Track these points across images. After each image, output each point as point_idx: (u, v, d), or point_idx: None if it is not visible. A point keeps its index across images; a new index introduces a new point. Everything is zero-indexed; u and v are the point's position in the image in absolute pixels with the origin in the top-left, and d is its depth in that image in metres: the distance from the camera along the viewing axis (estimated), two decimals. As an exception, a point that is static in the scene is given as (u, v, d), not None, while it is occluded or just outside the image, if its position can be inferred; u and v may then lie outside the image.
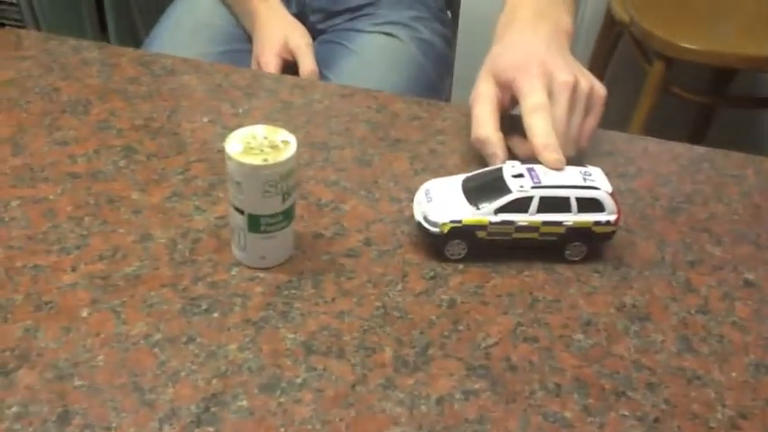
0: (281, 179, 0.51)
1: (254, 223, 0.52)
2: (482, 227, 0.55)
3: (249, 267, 0.55)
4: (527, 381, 0.49)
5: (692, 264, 0.59)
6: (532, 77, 0.63)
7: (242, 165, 0.49)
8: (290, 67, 0.96)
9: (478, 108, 0.66)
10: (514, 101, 0.66)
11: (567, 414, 0.47)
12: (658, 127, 1.58)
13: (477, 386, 0.48)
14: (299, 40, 1.00)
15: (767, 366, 0.51)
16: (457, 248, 0.56)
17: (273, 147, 0.51)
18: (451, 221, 0.55)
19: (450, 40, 1.18)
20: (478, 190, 0.56)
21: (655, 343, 0.52)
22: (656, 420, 0.47)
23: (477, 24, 1.89)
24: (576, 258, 0.58)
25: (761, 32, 1.58)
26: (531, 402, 0.47)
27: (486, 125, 0.65)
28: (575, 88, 0.63)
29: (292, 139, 0.52)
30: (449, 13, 1.21)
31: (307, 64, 0.96)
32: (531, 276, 0.57)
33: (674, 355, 0.51)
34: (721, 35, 1.57)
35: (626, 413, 0.47)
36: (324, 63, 1.06)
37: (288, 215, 0.53)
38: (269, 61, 0.95)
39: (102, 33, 2.40)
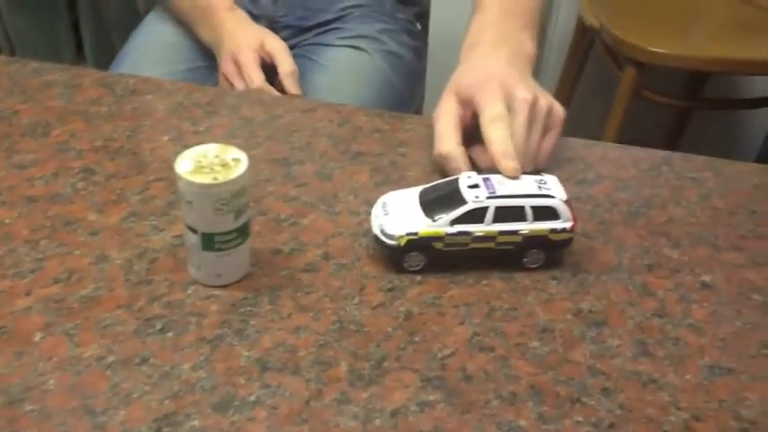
0: (233, 197, 0.51)
1: (208, 242, 0.52)
2: (439, 238, 0.55)
3: (205, 286, 0.55)
4: (482, 390, 0.49)
5: (649, 267, 0.60)
6: (492, 92, 0.65)
7: (192, 184, 0.49)
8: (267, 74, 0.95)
9: (441, 124, 0.67)
10: (476, 117, 0.66)
11: (522, 422, 0.47)
12: (633, 132, 1.59)
13: (432, 397, 0.48)
14: (275, 42, 1.00)
15: (722, 368, 0.51)
16: (415, 260, 0.56)
17: (224, 165, 0.51)
18: (408, 234, 0.55)
19: (420, 52, 1.18)
20: (435, 202, 0.56)
21: (611, 348, 0.52)
22: (611, 426, 0.47)
23: (447, 36, 1.90)
24: (535, 266, 0.58)
25: (731, 36, 1.59)
26: (486, 412, 0.47)
27: (448, 141, 0.65)
28: (534, 105, 0.64)
29: (244, 156, 0.52)
30: (418, 25, 1.22)
31: (288, 63, 0.94)
32: (488, 286, 0.57)
33: (630, 359, 0.51)
34: (691, 39, 1.59)
35: (581, 419, 0.47)
36: (292, 78, 1.06)
37: (242, 232, 0.53)
38: (248, 57, 0.93)
39: (78, 54, 2.40)
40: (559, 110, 0.67)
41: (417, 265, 0.57)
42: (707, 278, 0.59)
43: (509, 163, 0.59)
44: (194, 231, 0.52)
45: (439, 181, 0.59)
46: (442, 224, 0.55)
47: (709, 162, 0.73)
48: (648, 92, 1.61)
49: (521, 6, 0.76)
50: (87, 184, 0.64)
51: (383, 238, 0.56)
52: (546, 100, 0.66)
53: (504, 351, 0.51)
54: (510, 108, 0.64)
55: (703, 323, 0.55)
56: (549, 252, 0.58)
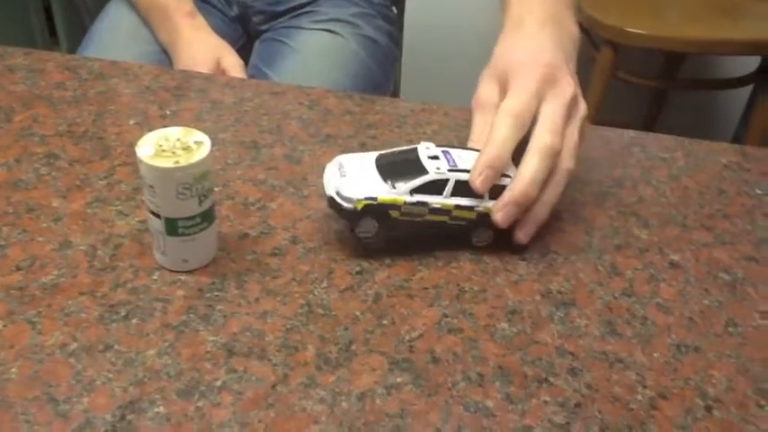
0: (196, 181, 0.50)
1: (172, 227, 0.51)
2: (396, 206, 0.54)
3: (171, 271, 0.54)
4: (450, 372, 0.48)
5: (618, 247, 0.60)
6: (527, 77, 0.58)
7: (153, 168, 0.49)
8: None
9: (477, 117, 0.62)
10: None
11: (489, 403, 0.47)
12: (610, 114, 1.59)
13: (399, 380, 0.48)
14: (232, 59, 0.99)
15: (688, 346, 0.52)
16: (368, 225, 0.55)
17: (186, 148, 0.50)
18: (366, 198, 0.54)
19: (395, 37, 1.17)
20: (393, 169, 0.55)
21: (578, 328, 0.52)
22: (578, 405, 0.47)
23: (423, 20, 1.89)
24: (482, 244, 0.57)
25: (706, 16, 1.60)
26: (453, 393, 0.47)
27: (482, 138, 0.58)
28: (575, 99, 0.59)
29: (206, 139, 0.51)
30: (394, 9, 1.21)
31: None
32: (457, 268, 0.57)
33: (598, 338, 0.52)
34: (667, 20, 1.59)
35: (548, 399, 0.47)
36: (265, 62, 1.05)
37: (207, 217, 0.53)
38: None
39: (51, 38, 2.36)
40: (585, 110, 0.61)
41: (369, 232, 0.55)
42: (675, 257, 0.59)
43: (479, 180, 0.54)
44: (158, 216, 0.51)
45: (396, 149, 0.58)
46: (401, 192, 0.54)
47: (680, 142, 0.74)
48: (624, 73, 1.62)
49: None
50: (51, 170, 0.63)
51: (339, 201, 0.54)
52: (582, 100, 0.61)
53: (473, 333, 0.51)
54: (547, 95, 0.58)
55: (671, 302, 0.55)
56: (499, 232, 0.57)
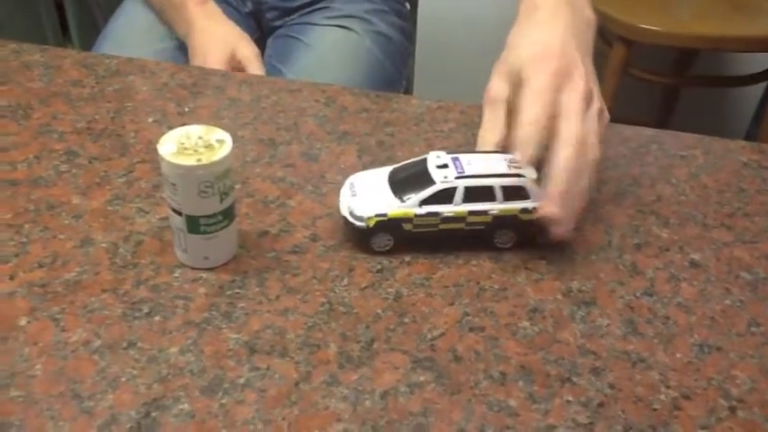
0: (217, 179, 0.50)
1: (193, 224, 0.52)
2: (408, 219, 0.54)
3: (192, 269, 0.54)
4: (472, 371, 0.48)
5: (638, 246, 0.59)
6: (544, 72, 0.57)
7: (175, 166, 0.49)
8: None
9: (487, 113, 0.61)
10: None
11: (512, 402, 0.47)
12: (623, 111, 1.58)
13: (422, 378, 0.48)
14: (247, 50, 0.97)
15: (711, 346, 0.51)
16: (383, 240, 0.56)
17: (208, 146, 0.50)
18: (377, 215, 0.54)
19: (408, 33, 1.17)
20: (403, 182, 0.56)
21: (600, 327, 0.52)
22: (601, 405, 0.47)
23: (436, 16, 1.89)
24: (506, 246, 0.57)
25: (719, 12, 1.59)
26: (476, 392, 0.47)
27: (491, 136, 0.59)
28: (590, 95, 0.58)
29: (228, 137, 0.51)
30: (407, 4, 1.20)
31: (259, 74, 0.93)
32: (478, 266, 0.56)
33: (620, 338, 0.51)
34: (680, 16, 1.58)
35: (570, 399, 0.47)
36: (279, 58, 1.05)
37: (227, 215, 0.53)
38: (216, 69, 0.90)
39: (64, 35, 2.37)
40: (607, 115, 0.60)
41: (386, 246, 0.56)
42: (696, 256, 0.59)
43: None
44: (179, 214, 0.51)
45: (408, 161, 0.58)
46: (410, 205, 0.54)
47: (699, 140, 0.73)
48: (637, 69, 1.61)
49: None
50: (70, 167, 0.63)
51: (351, 220, 0.55)
52: (599, 97, 0.59)
53: (494, 331, 0.51)
54: (563, 87, 0.57)
55: (692, 302, 0.55)
56: (521, 232, 0.57)
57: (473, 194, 0.54)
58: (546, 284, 0.55)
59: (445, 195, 0.54)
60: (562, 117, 0.56)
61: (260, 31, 1.13)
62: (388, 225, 0.55)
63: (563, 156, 0.54)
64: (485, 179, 0.54)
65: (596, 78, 0.61)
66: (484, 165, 0.55)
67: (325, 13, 1.08)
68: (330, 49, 1.04)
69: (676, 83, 1.92)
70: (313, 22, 1.08)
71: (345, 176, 0.64)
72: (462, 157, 0.56)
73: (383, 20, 1.09)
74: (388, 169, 0.58)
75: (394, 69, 1.09)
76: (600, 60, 1.66)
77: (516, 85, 0.59)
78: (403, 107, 0.74)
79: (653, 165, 0.69)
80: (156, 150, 0.65)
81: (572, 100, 0.56)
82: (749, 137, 1.89)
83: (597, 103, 0.59)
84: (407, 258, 0.56)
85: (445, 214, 0.55)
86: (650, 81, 1.67)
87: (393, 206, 0.54)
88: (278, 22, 1.12)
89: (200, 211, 0.51)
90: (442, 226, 0.55)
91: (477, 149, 0.59)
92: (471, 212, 0.55)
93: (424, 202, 0.54)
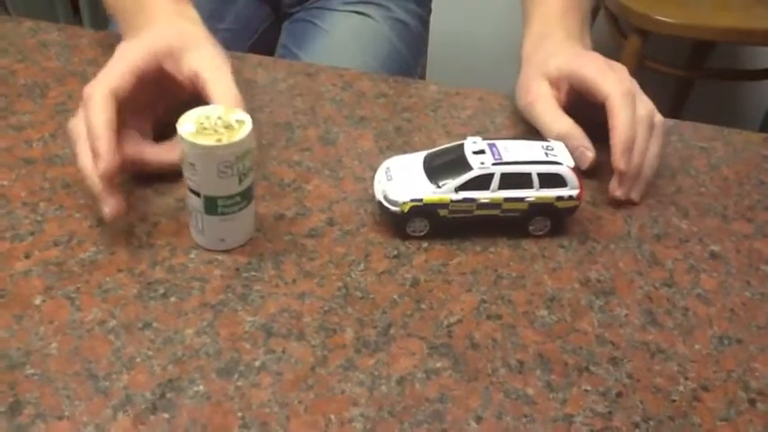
0: (237, 160, 0.50)
1: (211, 205, 0.51)
2: (443, 205, 0.54)
3: (208, 250, 0.54)
4: (489, 358, 0.48)
5: (657, 237, 0.59)
6: (598, 61, 0.63)
7: (195, 145, 0.48)
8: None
9: (541, 106, 0.65)
10: (569, 100, 0.65)
11: (530, 390, 0.46)
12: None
13: (438, 365, 0.47)
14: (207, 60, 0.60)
15: (730, 338, 0.51)
16: (419, 225, 0.55)
17: (227, 126, 0.50)
18: (412, 200, 0.54)
19: (425, 20, 1.16)
20: (439, 167, 0.55)
21: (619, 317, 0.52)
22: (619, 395, 0.46)
23: (451, 3, 1.88)
24: (541, 233, 0.57)
25: (737, 4, 1.57)
26: (494, 380, 0.47)
27: (561, 120, 0.63)
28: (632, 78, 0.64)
29: (247, 118, 0.51)
30: (424, -9, 1.19)
31: (227, 97, 0.56)
32: (495, 253, 0.56)
33: (638, 328, 0.51)
34: (697, 8, 1.57)
35: (588, 388, 0.47)
36: (295, 42, 1.04)
37: (246, 196, 0.52)
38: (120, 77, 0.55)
39: (74, 16, 2.36)
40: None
41: (421, 231, 0.56)
42: (716, 248, 0.58)
43: (623, 162, 0.59)
44: (197, 194, 0.51)
45: (444, 146, 0.58)
46: (446, 191, 0.54)
47: (719, 131, 0.72)
48: (651, 61, 1.59)
49: (577, 1, 0.73)
50: (86, 147, 0.63)
51: (386, 204, 0.55)
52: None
53: (512, 319, 0.51)
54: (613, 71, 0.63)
55: (712, 293, 0.54)
56: (555, 219, 0.57)
57: (510, 181, 0.54)
58: (564, 273, 0.55)
59: (482, 181, 0.54)
60: (609, 85, 0.61)
61: (275, 16, 1.13)
62: (424, 210, 0.54)
63: (619, 112, 0.59)
64: (522, 166, 0.54)
65: None
66: (521, 151, 0.55)
67: (343, -1, 1.08)
68: (347, 35, 1.04)
69: (691, 75, 1.90)
70: (330, 8, 1.07)
71: (362, 161, 0.63)
72: (499, 143, 0.56)
73: (400, 6, 1.09)
74: (423, 154, 0.57)
75: (410, 56, 1.08)
76: (615, 51, 1.66)
77: (556, 84, 0.65)
78: (421, 92, 0.73)
79: (673, 155, 0.68)
80: (174, 132, 0.65)
81: (625, 76, 0.63)
82: (763, 130, 1.87)
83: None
84: (425, 245, 0.56)
85: (481, 200, 0.54)
86: (665, 73, 1.66)
87: (428, 191, 0.54)
88: (294, 9, 1.11)
89: (218, 192, 0.51)
90: (478, 212, 0.55)
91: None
92: (507, 199, 0.54)
93: (461, 187, 0.54)
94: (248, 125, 0.50)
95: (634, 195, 0.61)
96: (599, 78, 0.61)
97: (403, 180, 0.55)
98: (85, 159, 0.52)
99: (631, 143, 0.59)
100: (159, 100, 0.61)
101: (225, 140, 0.48)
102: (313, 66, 0.77)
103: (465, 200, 0.54)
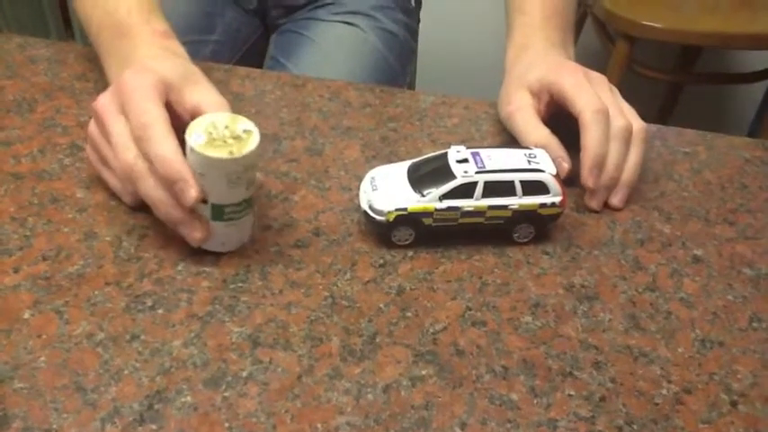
0: (246, 170, 0.50)
1: (218, 212, 0.52)
2: (428, 214, 0.55)
3: (196, 263, 0.54)
4: (474, 365, 0.49)
5: (641, 242, 0.60)
6: (577, 74, 0.64)
7: (207, 158, 0.49)
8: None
9: (521, 117, 0.65)
10: (549, 110, 0.66)
11: (514, 396, 0.47)
12: (625, 107, 1.58)
13: (423, 372, 0.48)
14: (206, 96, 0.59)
15: (712, 341, 0.51)
16: (404, 234, 0.56)
17: (236, 137, 0.50)
18: (397, 209, 0.54)
19: (413, 30, 1.17)
20: (424, 177, 0.56)
21: (602, 322, 0.52)
22: (602, 399, 0.47)
23: (439, 13, 1.89)
24: (525, 240, 0.58)
25: (724, 9, 1.59)
26: (478, 386, 0.47)
27: (538, 130, 0.64)
28: (611, 87, 0.66)
29: (254, 128, 0.51)
30: (412, 1, 1.20)
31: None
32: (480, 260, 0.57)
33: (621, 333, 0.52)
34: (684, 13, 1.58)
35: (572, 393, 0.47)
36: (283, 53, 1.05)
37: (250, 202, 0.53)
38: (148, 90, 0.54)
39: (66, 31, 2.37)
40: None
41: (406, 240, 0.56)
42: (698, 252, 0.59)
43: (591, 180, 0.61)
44: (204, 202, 0.51)
45: (428, 155, 0.58)
46: (430, 199, 0.55)
47: (701, 136, 0.73)
48: (639, 66, 1.61)
49: (560, 8, 0.75)
50: (74, 161, 0.63)
51: (372, 214, 0.55)
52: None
53: (497, 326, 0.51)
54: (591, 83, 0.64)
55: (694, 297, 0.55)
56: (539, 226, 0.57)
57: (493, 189, 0.55)
58: (548, 279, 0.55)
59: (465, 190, 0.54)
60: (584, 101, 0.62)
61: (263, 28, 1.14)
62: (408, 219, 0.55)
63: (590, 131, 0.60)
64: (505, 174, 0.55)
65: None
66: (504, 160, 0.56)
67: (331, 9, 1.08)
68: (335, 45, 1.04)
69: (679, 80, 1.92)
70: (318, 18, 1.08)
71: (348, 171, 0.64)
72: (482, 151, 0.56)
73: (388, 16, 1.09)
74: (407, 163, 0.58)
75: (398, 66, 1.09)
76: (603, 57, 1.67)
77: (537, 96, 0.66)
78: (407, 102, 0.74)
79: (656, 160, 0.69)
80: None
81: (598, 88, 0.64)
82: (751, 134, 1.89)
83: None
84: (410, 253, 0.57)
85: (465, 209, 0.55)
86: (653, 78, 1.67)
87: (413, 200, 0.55)
88: (283, 20, 1.12)
89: (227, 200, 0.51)
90: (462, 220, 0.55)
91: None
92: (491, 207, 0.55)
93: (445, 196, 0.54)
94: (256, 135, 0.51)
95: (616, 201, 0.62)
96: (574, 92, 0.62)
97: (387, 190, 0.56)
98: (156, 191, 0.51)
99: (600, 160, 0.60)
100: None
101: (236, 153, 0.49)
102: (299, 77, 0.78)
103: (449, 208, 0.55)
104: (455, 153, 0.56)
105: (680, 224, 0.62)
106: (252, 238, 0.57)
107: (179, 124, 0.53)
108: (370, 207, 0.55)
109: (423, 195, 0.54)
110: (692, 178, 0.67)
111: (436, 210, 0.55)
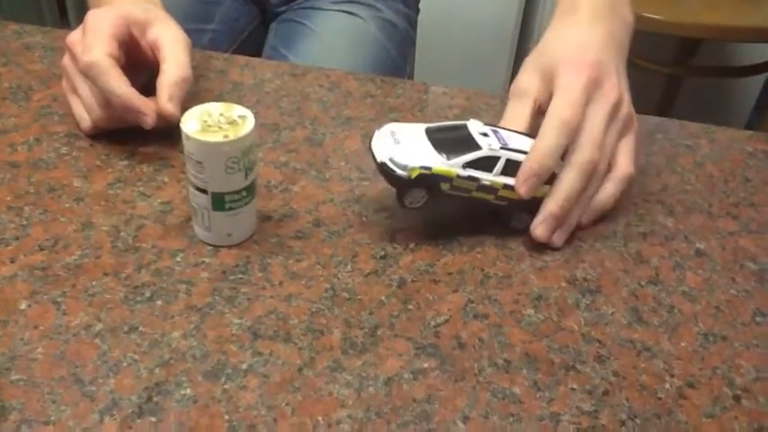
0: (243, 155, 0.50)
1: (219, 201, 0.51)
2: (448, 179, 0.53)
3: (194, 253, 0.54)
4: (476, 358, 0.48)
5: (644, 235, 0.59)
6: (577, 76, 0.56)
7: (203, 143, 0.48)
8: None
9: (512, 107, 0.60)
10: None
11: (516, 390, 0.46)
12: (624, 99, 1.57)
13: (425, 365, 0.47)
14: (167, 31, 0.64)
15: (716, 335, 0.51)
16: (417, 196, 0.54)
17: (231, 123, 0.50)
18: (421, 167, 0.52)
19: (413, 20, 1.16)
20: (446, 142, 0.54)
21: (605, 316, 0.52)
22: (605, 393, 0.47)
23: (439, 2, 1.88)
24: (521, 227, 0.57)
25: (723, 1, 1.58)
26: (480, 379, 0.47)
27: (515, 128, 0.58)
28: (618, 105, 0.58)
29: (249, 113, 0.51)
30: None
31: (178, 70, 0.61)
32: (482, 253, 0.56)
33: (624, 326, 0.51)
34: (684, 5, 1.57)
35: (575, 386, 0.47)
36: (283, 43, 1.04)
37: (251, 190, 0.53)
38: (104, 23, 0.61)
39: (61, 18, 2.35)
40: (636, 123, 0.61)
41: (418, 203, 0.54)
42: (701, 246, 0.59)
43: (523, 189, 0.54)
44: (204, 192, 0.51)
45: (445, 123, 0.56)
46: (454, 164, 0.53)
47: (704, 129, 0.73)
48: (639, 59, 1.60)
49: None
50: (71, 150, 0.62)
51: (392, 167, 0.52)
52: (628, 105, 0.60)
53: (499, 319, 0.51)
54: (592, 97, 0.57)
55: (697, 291, 0.55)
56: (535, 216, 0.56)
57: (511, 168, 0.54)
58: (550, 272, 0.55)
59: (488, 163, 0.53)
60: (583, 135, 0.56)
61: (262, 16, 1.13)
62: (428, 180, 0.53)
63: (567, 178, 0.55)
64: (525, 155, 0.54)
65: (627, 84, 0.61)
66: (523, 142, 0.55)
67: (332, -2, 1.07)
68: (335, 35, 1.03)
69: (679, 73, 1.91)
70: (318, 7, 1.07)
71: (349, 162, 0.64)
72: (501, 131, 0.56)
73: (388, 6, 1.09)
74: (422, 126, 0.56)
75: (399, 56, 1.08)
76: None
77: (547, 83, 0.58)
78: (408, 92, 0.73)
79: (658, 154, 0.68)
80: (157, 134, 0.65)
81: (597, 113, 0.56)
82: (750, 127, 1.88)
83: (626, 109, 0.59)
84: (411, 245, 0.56)
85: (483, 181, 0.54)
86: (653, 71, 1.67)
87: (438, 161, 0.53)
88: (282, 8, 1.11)
89: (226, 188, 0.51)
90: (475, 193, 0.55)
91: None
92: (506, 186, 0.54)
93: (468, 164, 0.53)
94: (251, 119, 0.50)
95: (556, 238, 0.57)
96: (558, 94, 0.56)
97: (411, 146, 0.53)
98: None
99: (539, 172, 0.54)
100: (133, 66, 0.63)
101: (231, 136, 0.49)
102: (299, 66, 0.77)
103: (470, 177, 0.53)
104: (475, 125, 0.55)
105: (683, 218, 0.61)
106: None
107: (145, 59, 0.62)
108: (392, 160, 0.53)
109: (448, 159, 0.53)
110: (694, 171, 0.67)
111: (457, 176, 0.53)
